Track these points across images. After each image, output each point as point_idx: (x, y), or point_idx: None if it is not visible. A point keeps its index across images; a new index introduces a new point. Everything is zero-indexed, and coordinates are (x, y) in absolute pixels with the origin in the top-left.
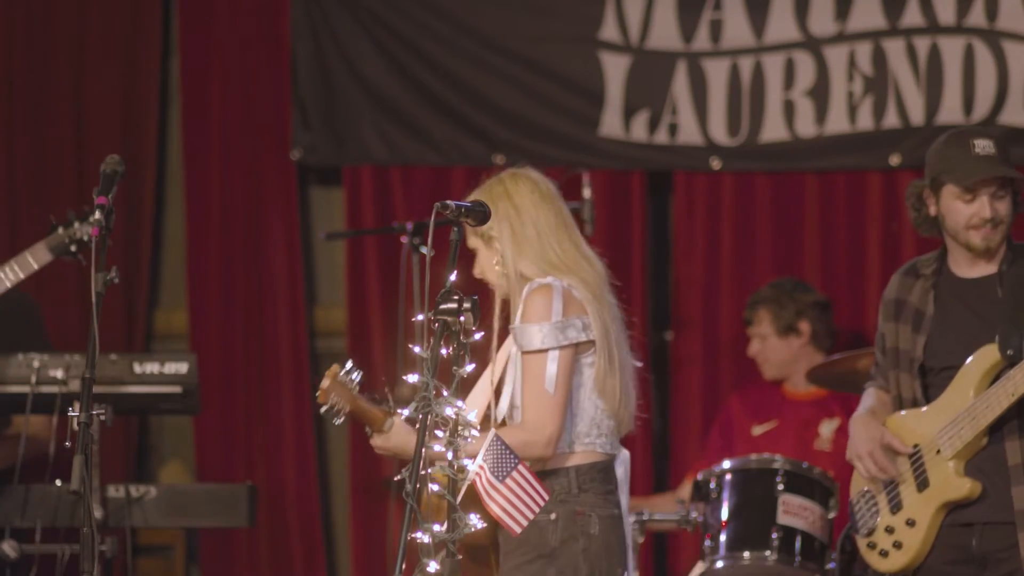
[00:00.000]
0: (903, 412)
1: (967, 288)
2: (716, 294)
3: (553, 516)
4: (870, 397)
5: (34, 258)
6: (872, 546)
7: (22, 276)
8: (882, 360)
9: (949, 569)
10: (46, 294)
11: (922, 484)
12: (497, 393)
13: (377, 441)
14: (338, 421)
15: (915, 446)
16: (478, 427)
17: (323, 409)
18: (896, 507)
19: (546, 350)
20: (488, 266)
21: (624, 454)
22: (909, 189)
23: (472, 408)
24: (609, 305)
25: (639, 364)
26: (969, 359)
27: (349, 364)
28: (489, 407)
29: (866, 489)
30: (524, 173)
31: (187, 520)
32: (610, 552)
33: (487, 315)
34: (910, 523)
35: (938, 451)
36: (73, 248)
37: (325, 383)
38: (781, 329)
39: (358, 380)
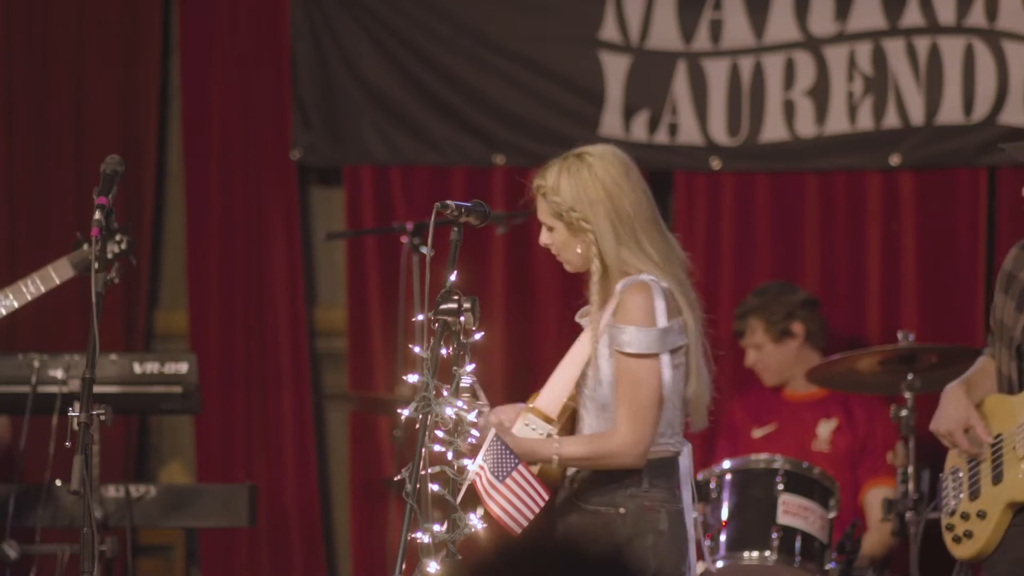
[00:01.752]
0: (1000, 395)
1: None
2: (716, 294)
3: (622, 510)
4: (977, 364)
5: (56, 273)
6: (950, 528)
7: (43, 290)
8: (994, 330)
9: (1013, 570)
10: (47, 293)
11: (997, 477)
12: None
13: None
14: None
15: (998, 435)
16: (554, 420)
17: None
18: (975, 494)
19: (651, 356)
20: (566, 247)
21: (687, 447)
22: None
23: (550, 399)
24: (695, 304)
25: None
26: None
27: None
28: (572, 399)
29: (955, 468)
30: (611, 152)
31: (187, 520)
32: (677, 548)
33: (492, 304)
34: (981, 515)
35: (1014, 447)
36: (96, 265)
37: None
38: (776, 335)
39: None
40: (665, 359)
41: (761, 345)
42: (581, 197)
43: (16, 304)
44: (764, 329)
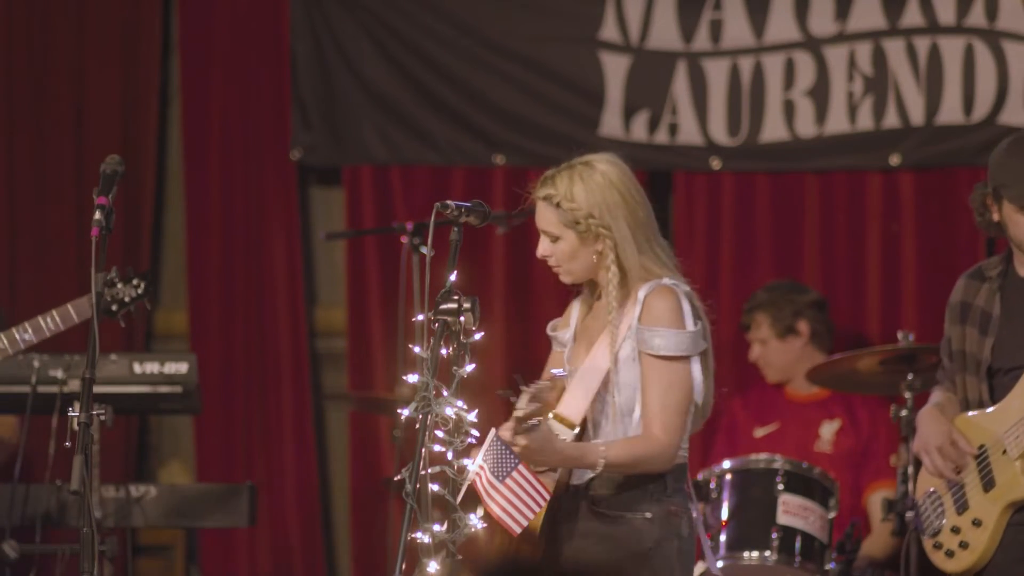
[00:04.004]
0: (970, 413)
1: None
2: (716, 294)
3: (648, 515)
4: (937, 395)
5: (76, 312)
6: (938, 546)
7: (62, 327)
8: (948, 364)
9: (1016, 568)
10: (47, 294)
11: (988, 484)
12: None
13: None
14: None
15: (981, 446)
16: (576, 426)
17: (528, 424)
18: (962, 507)
19: (686, 357)
20: (574, 258)
21: None
22: (973, 194)
23: (572, 406)
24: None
25: None
26: None
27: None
28: (596, 406)
29: (932, 490)
30: (617, 160)
31: (187, 520)
32: (692, 555)
33: (495, 304)
34: (976, 523)
35: (1004, 451)
36: (114, 308)
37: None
38: (780, 332)
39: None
40: (696, 362)
41: (766, 340)
42: (599, 203)
43: (35, 339)
44: (770, 324)
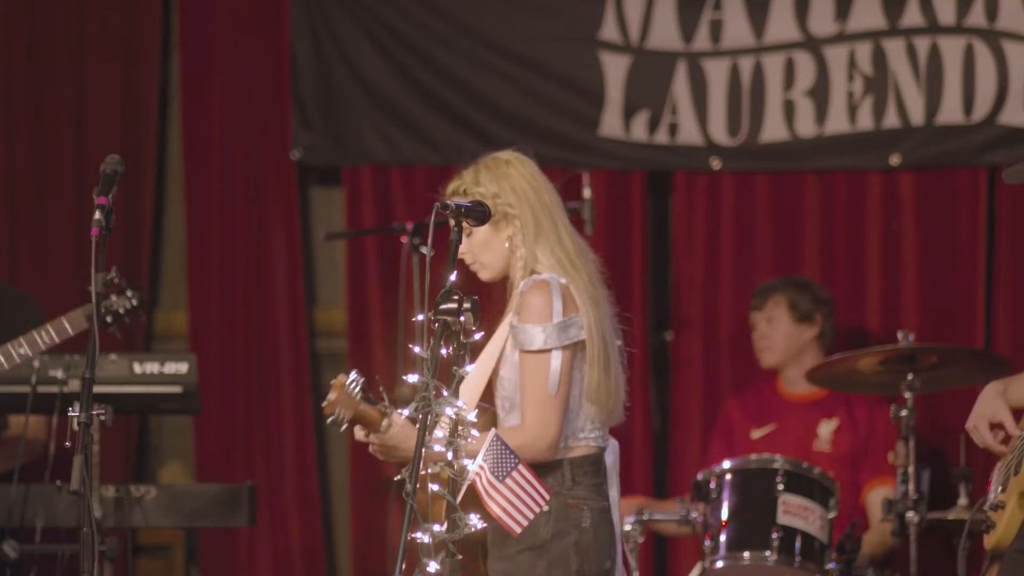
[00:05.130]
0: None
1: None
2: (716, 294)
3: (545, 508)
4: None
5: (70, 324)
6: (983, 519)
7: (57, 340)
8: None
9: (1017, 557)
10: (47, 294)
11: (1017, 468)
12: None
13: (374, 440)
14: (342, 429)
15: None
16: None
17: (329, 420)
18: (1005, 485)
19: (548, 350)
20: (487, 247)
21: (613, 443)
22: None
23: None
24: (603, 301)
25: (630, 351)
26: None
27: (353, 374)
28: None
29: (1000, 464)
30: (524, 157)
31: (187, 520)
32: (600, 545)
33: (493, 306)
34: (1000, 505)
35: None
36: (108, 319)
37: (332, 395)
38: (797, 316)
39: (361, 387)
40: (557, 353)
41: (777, 320)
42: (504, 186)
43: (30, 353)
44: (787, 306)
